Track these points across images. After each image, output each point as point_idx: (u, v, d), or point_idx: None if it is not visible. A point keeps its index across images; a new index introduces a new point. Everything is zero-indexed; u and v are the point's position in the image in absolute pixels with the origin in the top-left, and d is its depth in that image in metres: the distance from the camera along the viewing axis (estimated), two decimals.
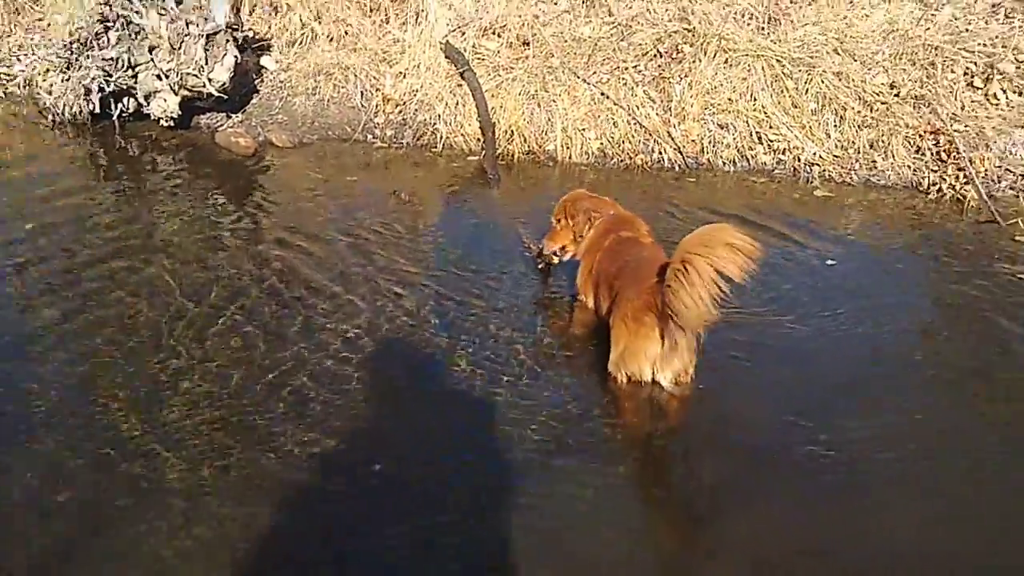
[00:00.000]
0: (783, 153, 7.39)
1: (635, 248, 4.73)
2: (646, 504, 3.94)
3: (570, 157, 7.51)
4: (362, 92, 8.06)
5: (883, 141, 7.31)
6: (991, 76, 7.64)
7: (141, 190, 6.78)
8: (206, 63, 7.25)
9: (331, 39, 8.41)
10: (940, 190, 6.91)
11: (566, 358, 4.75)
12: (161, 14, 7.33)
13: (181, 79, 7.30)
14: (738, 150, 7.45)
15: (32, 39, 8.93)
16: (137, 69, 7.41)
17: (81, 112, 7.61)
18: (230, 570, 3.32)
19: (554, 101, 7.64)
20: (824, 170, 7.27)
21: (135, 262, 5.54)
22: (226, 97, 7.50)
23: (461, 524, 3.56)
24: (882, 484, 3.82)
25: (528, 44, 8.09)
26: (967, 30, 8.13)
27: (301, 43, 8.40)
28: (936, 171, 7.04)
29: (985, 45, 7.88)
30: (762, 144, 7.45)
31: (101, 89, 7.46)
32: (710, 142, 7.48)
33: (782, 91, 7.55)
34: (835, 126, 7.43)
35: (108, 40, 7.45)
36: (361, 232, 6.08)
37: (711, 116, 7.54)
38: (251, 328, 4.83)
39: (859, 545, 3.50)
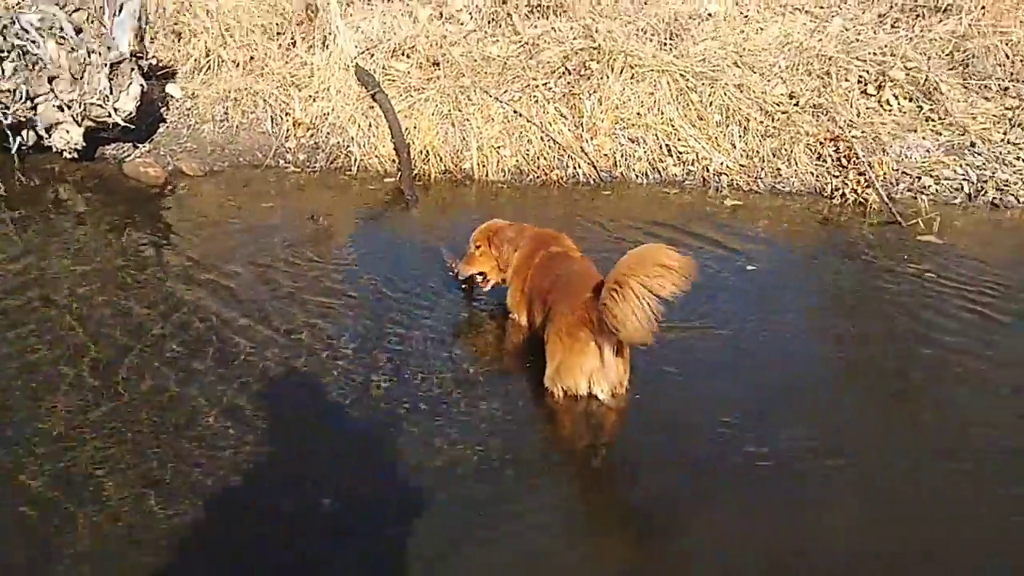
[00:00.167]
0: (692, 164, 7.60)
1: (566, 263, 4.80)
2: (592, 516, 3.98)
3: (487, 175, 7.58)
4: (272, 117, 8.00)
5: (786, 149, 7.59)
6: (883, 83, 8.02)
7: (44, 225, 6.54)
8: (111, 93, 7.07)
9: (237, 64, 8.31)
10: (843, 194, 7.20)
11: (500, 376, 4.76)
12: (60, 43, 7.12)
13: (85, 109, 7.11)
14: (649, 163, 7.63)
15: None
16: (36, 100, 7.18)
17: None
18: None
19: (468, 120, 7.71)
20: (732, 179, 7.50)
21: (36, 300, 5.33)
22: (133, 127, 7.33)
23: (403, 548, 3.54)
24: (821, 487, 3.91)
25: (438, 64, 8.16)
26: (857, 40, 8.53)
27: (207, 69, 8.28)
28: (838, 176, 7.34)
29: (875, 54, 8.28)
30: (672, 156, 7.65)
31: None
32: (622, 156, 7.65)
33: (688, 104, 7.78)
34: (740, 136, 7.69)
35: (3, 71, 7.21)
36: (277, 259, 5.99)
37: (621, 130, 7.71)
38: (161, 365, 4.66)
39: (804, 548, 3.58)
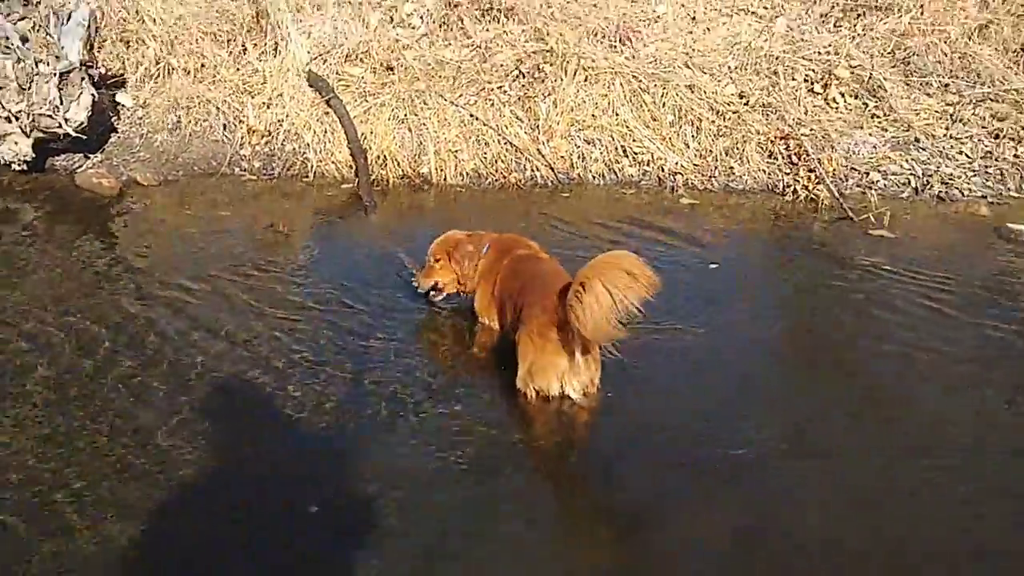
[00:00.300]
0: (647, 164, 7.71)
1: (535, 264, 4.87)
2: (569, 514, 4.04)
3: (445, 179, 7.59)
4: (225, 125, 7.90)
5: (738, 148, 7.74)
6: (829, 82, 8.21)
7: None
8: (61, 103, 6.94)
9: (188, 72, 8.20)
10: (795, 191, 7.37)
11: (470, 379, 4.80)
12: (5, 53, 6.96)
13: (33, 120, 6.96)
14: (606, 164, 7.72)
15: None
16: None
17: None
18: None
19: (424, 124, 7.72)
20: (687, 178, 7.62)
21: None
22: (84, 137, 7.19)
23: (380, 556, 3.55)
24: (795, 482, 4.00)
25: (392, 69, 8.15)
26: (802, 39, 8.71)
27: (157, 77, 8.16)
28: (789, 173, 7.51)
29: (820, 53, 8.48)
30: (627, 157, 7.75)
31: None
32: (579, 157, 7.73)
33: (641, 105, 7.89)
34: (692, 136, 7.82)
35: None
36: (236, 270, 5.90)
37: (577, 132, 7.79)
38: (113, 381, 4.57)
39: (782, 542, 3.65)
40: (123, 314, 5.27)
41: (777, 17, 9.14)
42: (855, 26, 8.95)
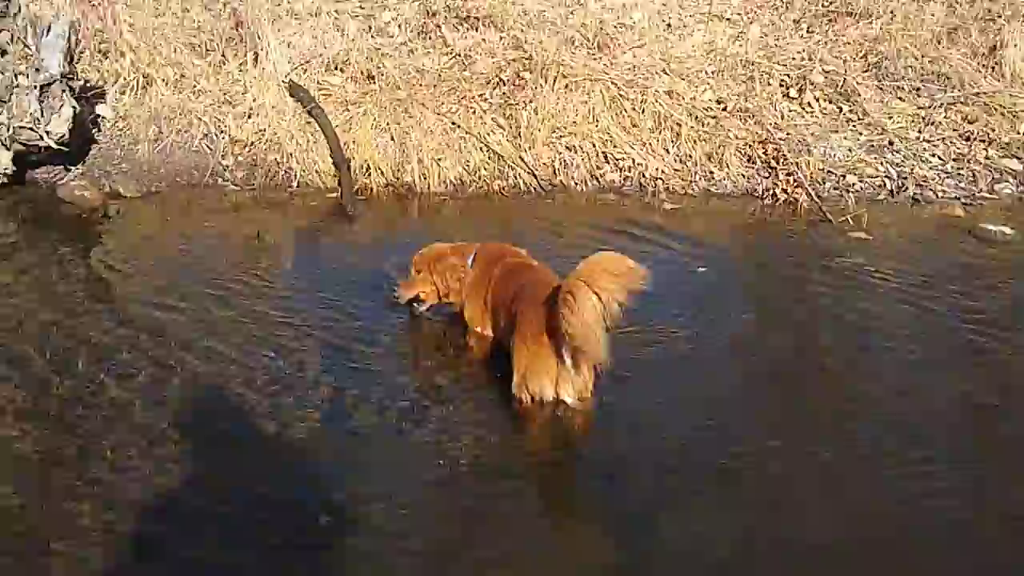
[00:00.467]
0: (629, 170, 7.80)
1: (527, 272, 4.94)
2: (567, 516, 4.13)
3: (429, 187, 7.62)
4: (206, 135, 7.89)
5: (717, 153, 7.84)
6: (804, 87, 8.36)
7: None
8: (42, 115, 6.90)
9: (167, 83, 8.17)
10: (774, 195, 7.49)
11: (465, 386, 4.85)
12: None
13: (14, 133, 6.93)
14: (588, 170, 7.79)
15: None
16: None
17: None
18: None
19: (407, 133, 7.74)
20: (668, 184, 7.71)
21: None
22: (66, 149, 7.16)
23: (382, 559, 3.61)
24: (792, 485, 4.09)
25: (373, 78, 8.17)
26: (777, 45, 8.86)
27: (136, 88, 8.11)
28: (768, 177, 7.64)
29: (794, 59, 8.63)
30: (609, 163, 7.84)
31: None
32: (561, 164, 7.79)
33: (621, 112, 7.99)
34: (672, 142, 7.91)
35: None
36: (223, 281, 5.90)
37: (559, 139, 7.86)
38: (95, 398, 4.55)
39: (776, 542, 3.75)
40: (104, 328, 5.26)
41: (751, 23, 9.30)
42: (827, 31, 9.11)
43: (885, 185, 7.69)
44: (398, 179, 7.68)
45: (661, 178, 7.72)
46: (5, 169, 7.12)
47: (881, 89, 8.50)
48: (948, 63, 8.66)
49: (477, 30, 8.87)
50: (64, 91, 7.09)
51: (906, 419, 4.56)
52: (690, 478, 4.12)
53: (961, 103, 8.37)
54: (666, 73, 8.37)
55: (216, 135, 7.89)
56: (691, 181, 7.75)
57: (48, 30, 7.17)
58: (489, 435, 4.38)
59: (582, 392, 4.48)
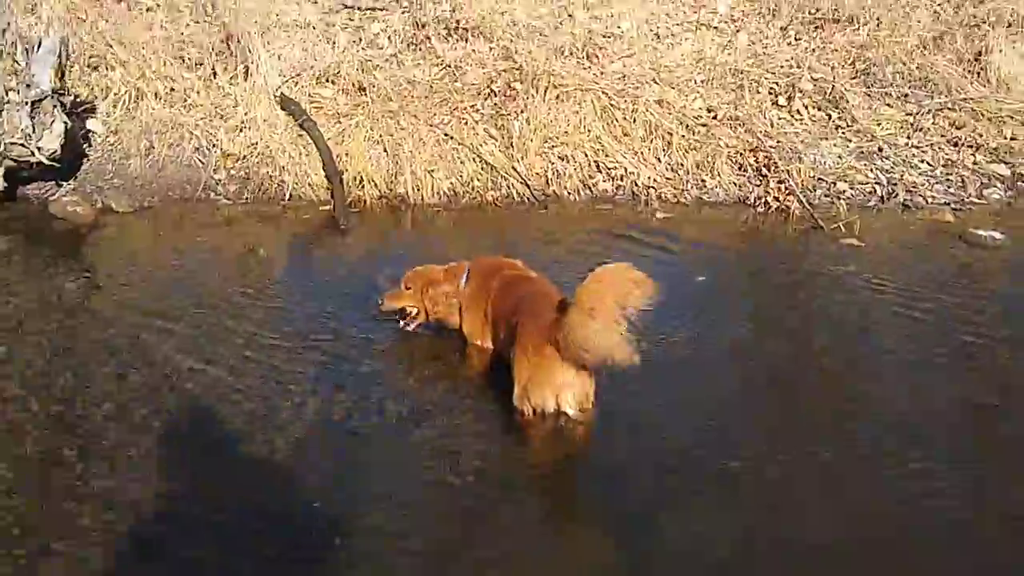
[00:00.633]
0: (621, 180, 7.83)
1: (526, 284, 4.95)
2: (571, 522, 4.15)
3: (422, 199, 7.61)
4: (198, 149, 7.86)
5: (708, 161, 7.88)
6: (792, 94, 8.43)
7: None
8: (33, 131, 6.87)
9: (158, 96, 8.14)
10: (766, 203, 7.53)
11: (465, 398, 4.84)
12: None
13: (5, 149, 6.88)
14: (580, 180, 7.81)
15: None
16: None
17: None
18: None
19: (399, 144, 7.74)
20: (660, 192, 7.74)
21: None
22: (58, 165, 7.13)
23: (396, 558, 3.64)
24: (786, 486, 4.11)
25: (364, 90, 8.18)
26: (765, 53, 8.93)
27: (127, 103, 8.08)
28: (759, 185, 7.68)
29: (782, 66, 8.69)
30: (601, 172, 7.87)
31: None
32: (553, 174, 7.81)
33: (612, 121, 8.02)
34: (663, 151, 7.95)
35: None
36: (216, 296, 5.86)
37: (551, 149, 7.88)
38: (90, 414, 4.53)
39: (777, 544, 3.77)
40: (100, 344, 5.23)
41: (738, 31, 9.36)
42: (814, 39, 9.19)
43: (876, 191, 7.75)
44: (391, 191, 7.67)
45: (653, 187, 7.76)
46: None
47: (869, 96, 8.58)
48: (935, 69, 8.76)
49: (466, 41, 8.89)
50: (55, 107, 7.05)
51: (905, 419, 4.62)
52: (690, 479, 4.16)
53: (948, 109, 8.47)
54: (656, 82, 8.42)
55: (208, 149, 7.86)
56: (683, 189, 7.78)
57: (39, 46, 7.14)
58: (489, 446, 4.40)
59: (583, 403, 4.47)
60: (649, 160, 7.89)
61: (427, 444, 4.37)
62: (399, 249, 6.81)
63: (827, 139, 8.15)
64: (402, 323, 5.35)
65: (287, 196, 7.67)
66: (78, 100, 7.80)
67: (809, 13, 9.46)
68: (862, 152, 8.05)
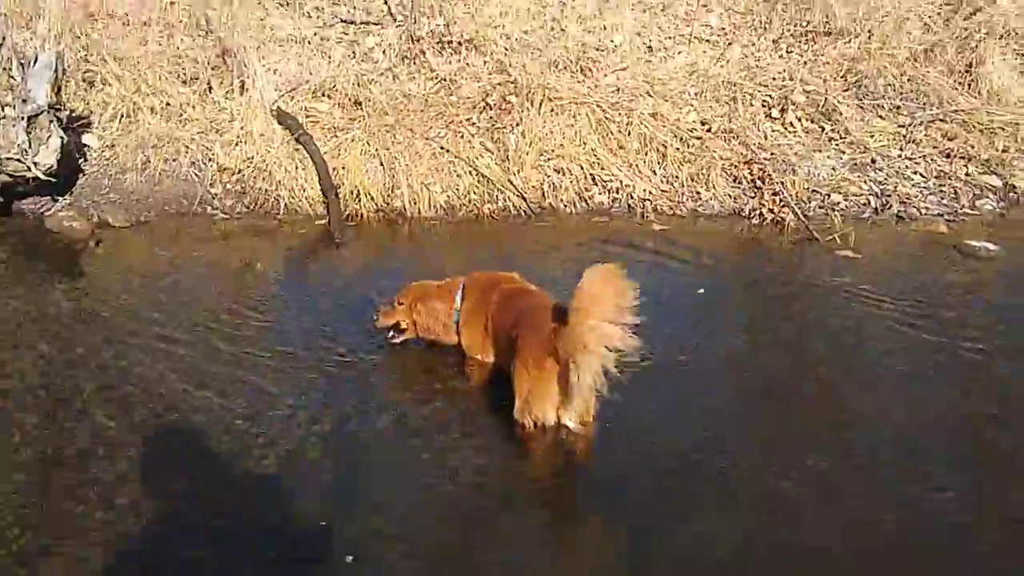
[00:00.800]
0: (617, 192, 7.86)
1: (526, 297, 4.96)
2: (574, 532, 4.18)
3: (419, 212, 7.64)
4: (194, 163, 7.88)
5: (703, 174, 7.93)
6: (785, 107, 8.48)
7: None
8: (29, 146, 6.88)
9: (154, 111, 8.17)
10: (761, 214, 7.57)
11: (466, 412, 4.86)
12: None
13: (1, 164, 6.89)
14: (576, 192, 7.84)
15: None
16: None
17: None
18: None
19: (396, 158, 7.77)
20: (656, 204, 7.77)
21: None
22: (54, 180, 7.14)
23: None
24: (792, 493, 4.14)
25: (360, 104, 8.21)
26: (757, 66, 8.97)
27: (123, 117, 8.10)
28: (754, 197, 7.72)
29: (775, 79, 8.74)
30: (597, 185, 7.91)
31: None
32: (550, 187, 7.85)
33: (607, 134, 8.06)
34: (659, 163, 7.99)
35: None
36: (213, 311, 5.88)
37: (547, 162, 7.91)
38: (85, 432, 4.52)
39: (777, 547, 3.82)
40: (95, 359, 5.23)
41: (731, 44, 9.41)
42: (806, 51, 9.24)
43: (870, 203, 7.79)
44: (388, 204, 7.70)
45: (649, 199, 7.79)
46: None
47: (862, 108, 8.63)
48: (926, 81, 8.81)
49: (461, 55, 8.93)
50: (51, 121, 7.07)
51: (902, 429, 4.66)
52: (689, 489, 4.19)
53: (940, 120, 8.52)
54: (650, 95, 8.46)
55: (204, 163, 7.89)
56: (679, 202, 7.81)
57: (35, 61, 7.17)
58: (497, 462, 4.42)
59: (584, 416, 4.50)
60: (644, 172, 7.93)
61: (425, 462, 4.38)
62: (396, 263, 6.83)
63: (821, 151, 8.19)
64: (389, 334, 5.37)
65: (283, 210, 7.69)
66: (74, 115, 7.83)
67: (801, 26, 9.50)
68: (856, 164, 8.09)
